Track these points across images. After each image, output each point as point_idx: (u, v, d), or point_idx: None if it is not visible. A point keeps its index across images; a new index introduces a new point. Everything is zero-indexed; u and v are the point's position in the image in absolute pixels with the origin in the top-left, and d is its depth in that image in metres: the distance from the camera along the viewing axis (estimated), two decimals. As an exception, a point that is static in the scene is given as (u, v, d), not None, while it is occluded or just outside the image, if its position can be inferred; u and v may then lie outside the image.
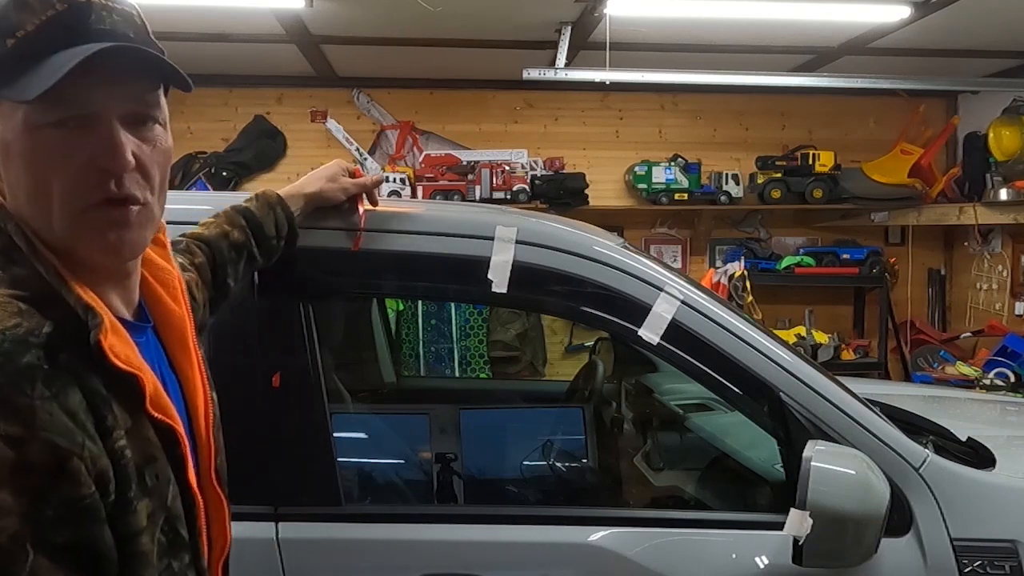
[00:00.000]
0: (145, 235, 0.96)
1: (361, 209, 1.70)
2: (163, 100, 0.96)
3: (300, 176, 1.71)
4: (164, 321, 1.06)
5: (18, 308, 0.85)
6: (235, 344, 1.64)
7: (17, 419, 0.79)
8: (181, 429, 0.97)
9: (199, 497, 1.00)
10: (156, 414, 0.93)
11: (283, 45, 4.74)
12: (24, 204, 0.91)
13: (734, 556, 1.66)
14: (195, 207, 1.64)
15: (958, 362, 5.01)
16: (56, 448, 0.81)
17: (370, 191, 1.74)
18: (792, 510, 1.53)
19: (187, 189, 5.28)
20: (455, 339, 5.41)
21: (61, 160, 0.88)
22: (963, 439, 2.03)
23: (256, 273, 1.60)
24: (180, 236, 1.43)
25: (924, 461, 1.69)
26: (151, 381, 0.93)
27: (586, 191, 5.52)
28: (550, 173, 5.58)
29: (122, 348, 0.90)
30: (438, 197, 5.25)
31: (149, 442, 0.92)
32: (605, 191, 5.75)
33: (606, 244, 1.79)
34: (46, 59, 0.87)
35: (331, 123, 5.57)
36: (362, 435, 2.27)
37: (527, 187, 5.42)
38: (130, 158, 0.90)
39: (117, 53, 0.88)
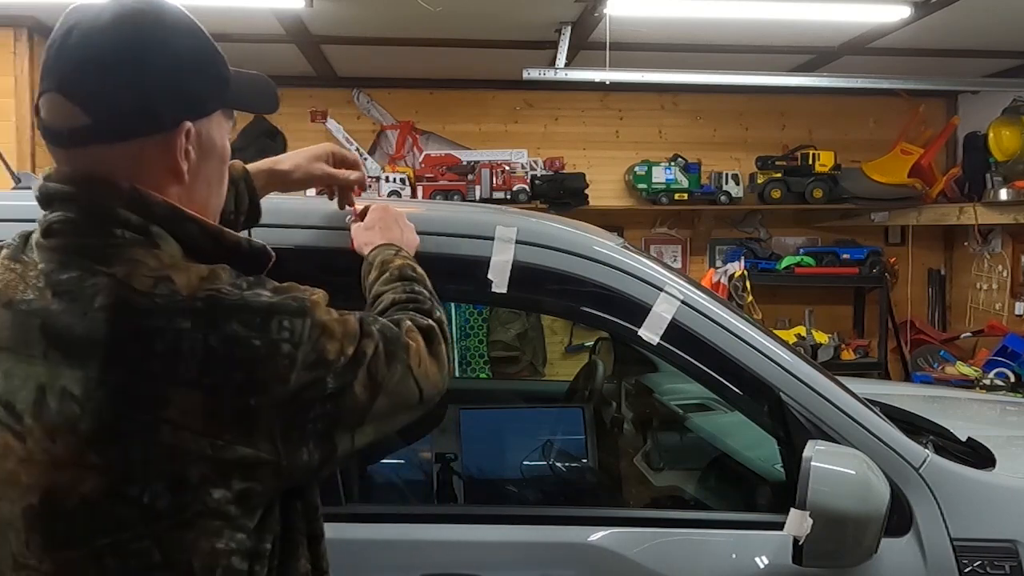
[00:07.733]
0: None
1: (355, 208, 1.67)
2: None
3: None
4: None
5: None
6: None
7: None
8: None
9: None
10: None
11: (283, 45, 4.74)
12: (210, 196, 1.14)
13: (734, 556, 1.66)
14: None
15: (958, 362, 5.01)
16: None
17: (346, 192, 1.64)
18: (792, 510, 1.52)
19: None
20: (455, 339, 5.41)
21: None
22: (963, 439, 2.03)
23: None
24: None
25: (924, 461, 1.69)
26: None
27: (586, 191, 5.52)
28: (550, 173, 5.57)
29: None
30: (438, 197, 5.24)
31: None
32: (605, 191, 5.74)
33: (606, 244, 1.79)
34: (249, 84, 1.19)
35: (331, 123, 5.56)
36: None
37: (527, 187, 5.41)
38: None
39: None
